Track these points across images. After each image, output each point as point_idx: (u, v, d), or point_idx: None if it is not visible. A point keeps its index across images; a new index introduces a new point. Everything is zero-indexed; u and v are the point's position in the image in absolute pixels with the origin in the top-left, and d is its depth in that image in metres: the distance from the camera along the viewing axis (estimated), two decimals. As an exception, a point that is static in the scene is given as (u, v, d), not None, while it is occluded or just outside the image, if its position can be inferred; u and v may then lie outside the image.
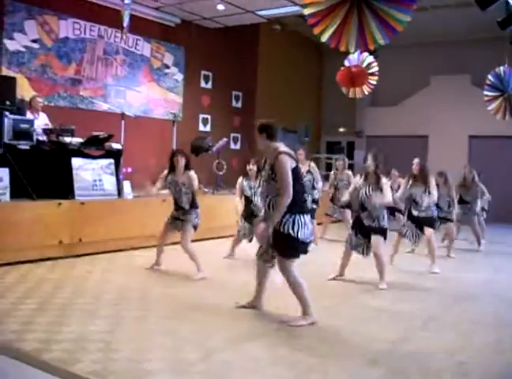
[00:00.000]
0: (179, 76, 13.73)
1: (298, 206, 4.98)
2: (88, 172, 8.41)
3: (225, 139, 12.34)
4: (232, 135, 15.57)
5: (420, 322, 5.38)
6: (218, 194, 11.14)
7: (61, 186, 8.10)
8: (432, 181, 8.16)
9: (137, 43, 12.55)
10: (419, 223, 8.11)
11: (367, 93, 12.78)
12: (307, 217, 5.06)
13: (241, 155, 15.80)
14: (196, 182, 7.01)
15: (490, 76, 11.97)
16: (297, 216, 4.96)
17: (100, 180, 8.53)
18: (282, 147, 5.05)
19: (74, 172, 8.20)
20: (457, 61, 16.40)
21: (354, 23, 6.23)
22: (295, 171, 4.99)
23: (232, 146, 15.53)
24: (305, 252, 5.12)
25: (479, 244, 10.47)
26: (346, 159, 11.39)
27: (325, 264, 7.81)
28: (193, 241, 9.54)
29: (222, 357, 4.13)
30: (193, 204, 7.11)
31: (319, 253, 8.72)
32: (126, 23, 9.03)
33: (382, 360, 4.25)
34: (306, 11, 6.62)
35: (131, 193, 9.11)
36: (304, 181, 5.21)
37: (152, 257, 8.34)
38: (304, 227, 4.98)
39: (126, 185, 9.07)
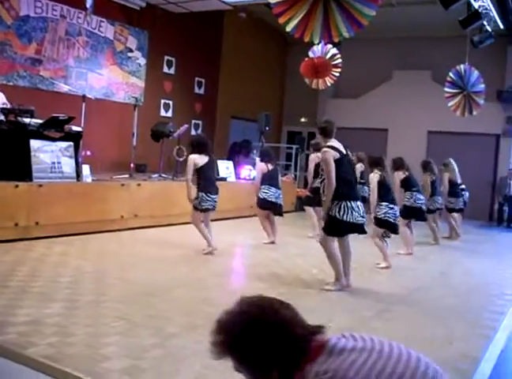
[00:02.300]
0: (142, 61, 13.57)
1: (343, 193, 5.86)
2: (47, 154, 8.27)
3: (186, 125, 12.29)
4: (194, 121, 15.49)
5: (373, 313, 5.48)
6: (177, 180, 11.06)
7: (18, 168, 7.95)
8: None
9: (100, 25, 12.34)
10: None
11: (329, 84, 12.88)
12: (354, 203, 5.89)
13: (202, 142, 15.74)
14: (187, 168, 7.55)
15: (451, 74, 12.20)
16: (343, 202, 5.84)
17: (59, 163, 8.41)
18: (331, 143, 6.01)
19: (32, 154, 8.05)
20: (420, 57, 16.63)
21: (319, 14, 6.27)
22: (339, 162, 5.87)
23: (193, 132, 15.44)
24: (356, 231, 6.10)
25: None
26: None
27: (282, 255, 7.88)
28: (151, 227, 9.58)
29: (177, 342, 4.15)
30: (199, 187, 7.59)
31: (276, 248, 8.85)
32: (88, 4, 8.87)
33: (335, 349, 4.31)
34: (272, 0, 6.64)
35: (90, 177, 9.01)
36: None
37: (108, 240, 8.34)
38: (350, 211, 5.84)
39: (85, 168, 8.97)
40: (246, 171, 13.38)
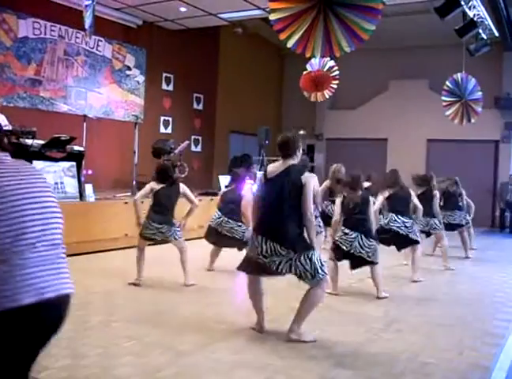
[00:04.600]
0: (141, 78, 13.64)
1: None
2: (50, 175, 8.30)
3: (187, 141, 12.33)
4: (193, 137, 15.54)
5: (383, 324, 5.48)
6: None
7: (21, 189, 7.96)
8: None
9: (98, 44, 12.42)
10: None
11: (327, 97, 12.92)
12: (259, 237, 4.78)
13: (202, 158, 15.81)
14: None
15: (448, 83, 12.25)
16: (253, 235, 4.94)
17: (62, 183, 8.45)
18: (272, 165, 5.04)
19: (35, 175, 8.07)
20: (416, 67, 16.73)
21: (320, 30, 6.32)
22: (261, 187, 5.00)
23: (193, 148, 15.51)
24: (246, 269, 5.00)
25: None
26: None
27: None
28: (155, 244, 9.59)
29: (190, 360, 4.15)
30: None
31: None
32: (87, 24, 8.89)
33: (347, 362, 4.32)
34: (273, 16, 6.68)
35: (93, 196, 9.03)
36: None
37: (114, 259, 8.32)
38: (251, 244, 4.91)
39: (88, 187, 8.99)
40: (248, 185, 13.37)
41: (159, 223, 6.77)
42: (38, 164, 8.18)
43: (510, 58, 16.17)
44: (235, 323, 5.30)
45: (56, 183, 8.36)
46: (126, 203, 9.40)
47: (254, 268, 4.89)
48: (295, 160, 4.91)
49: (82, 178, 9.05)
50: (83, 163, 9.17)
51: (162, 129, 14.50)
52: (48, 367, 3.83)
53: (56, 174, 8.41)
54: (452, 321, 5.75)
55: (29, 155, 8.16)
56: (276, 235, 4.72)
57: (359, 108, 17.94)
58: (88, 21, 8.48)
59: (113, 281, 6.85)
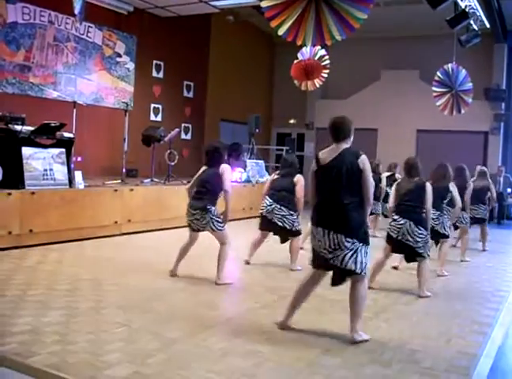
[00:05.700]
0: (131, 65, 13.56)
1: (312, 215, 4.76)
2: (39, 161, 8.24)
3: (177, 129, 12.28)
4: (183, 125, 15.50)
5: (372, 313, 5.50)
6: (169, 185, 11.09)
7: (10, 176, 7.90)
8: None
9: (88, 31, 12.33)
10: None
11: (318, 86, 12.93)
12: (315, 229, 4.63)
13: (192, 146, 15.77)
14: None
15: (439, 73, 12.30)
16: (312, 226, 4.75)
17: (51, 169, 8.38)
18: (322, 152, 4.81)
19: (24, 161, 8.03)
20: (407, 57, 16.75)
21: (311, 18, 6.32)
22: (315, 175, 4.74)
23: (183, 136, 15.48)
24: (320, 265, 4.71)
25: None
26: None
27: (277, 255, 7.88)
28: (144, 232, 9.60)
29: (179, 347, 4.16)
30: None
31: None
32: (77, 10, 8.81)
33: (336, 349, 4.34)
34: (264, 3, 6.66)
35: (83, 183, 8.99)
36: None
37: (103, 246, 8.30)
38: (312, 237, 4.69)
39: (78, 174, 8.94)
40: (237, 174, 13.39)
41: (194, 209, 6.36)
42: (27, 151, 8.14)
43: (500, 50, 16.22)
44: (225, 310, 5.33)
45: (45, 170, 8.29)
46: (115, 190, 9.37)
47: (322, 262, 4.67)
48: (348, 144, 4.77)
49: (72, 165, 9.00)
50: (72, 149, 9.10)
51: (152, 117, 14.46)
52: (37, 353, 3.84)
53: (45, 160, 8.34)
54: (440, 310, 5.79)
55: (18, 141, 8.12)
56: (338, 225, 4.51)
57: (350, 98, 17.94)
58: (78, 7, 8.42)
59: (102, 268, 6.84)
